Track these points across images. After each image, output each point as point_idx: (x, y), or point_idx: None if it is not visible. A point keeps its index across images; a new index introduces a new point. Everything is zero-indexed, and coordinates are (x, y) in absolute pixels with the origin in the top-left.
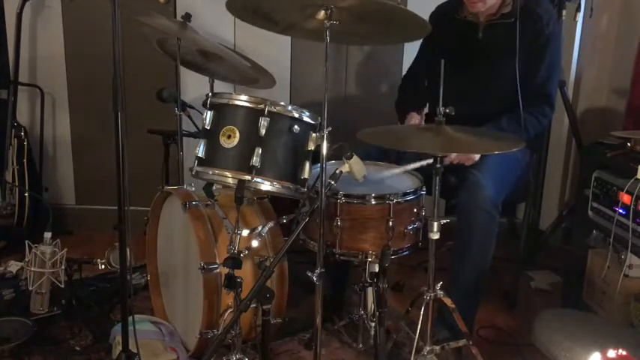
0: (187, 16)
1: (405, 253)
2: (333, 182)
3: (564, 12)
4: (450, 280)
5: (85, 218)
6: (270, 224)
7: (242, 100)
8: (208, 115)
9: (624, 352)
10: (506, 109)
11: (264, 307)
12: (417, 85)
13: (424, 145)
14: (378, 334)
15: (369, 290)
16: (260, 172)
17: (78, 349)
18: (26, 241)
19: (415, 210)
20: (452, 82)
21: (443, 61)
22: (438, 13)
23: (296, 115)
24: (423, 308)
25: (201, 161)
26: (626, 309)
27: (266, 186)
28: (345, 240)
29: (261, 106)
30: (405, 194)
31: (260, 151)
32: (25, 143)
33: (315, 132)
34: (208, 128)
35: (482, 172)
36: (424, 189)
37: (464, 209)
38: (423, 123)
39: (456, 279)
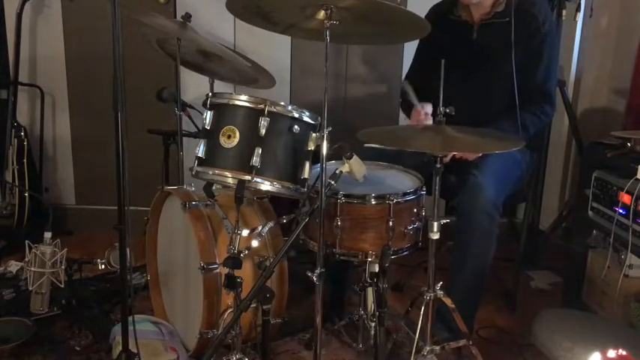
0: (187, 16)
1: (405, 253)
2: (333, 182)
3: (564, 12)
4: (450, 282)
5: (85, 218)
6: (270, 224)
7: (242, 100)
8: (208, 115)
9: (624, 352)
10: (505, 109)
11: (264, 307)
12: (417, 86)
13: (424, 145)
14: (378, 334)
15: (369, 290)
16: (260, 172)
17: (78, 349)
18: (26, 241)
19: (415, 210)
20: (450, 82)
21: (443, 60)
22: (432, 14)
23: (296, 115)
24: (423, 308)
25: (201, 161)
26: (626, 309)
27: (266, 186)
28: (345, 240)
29: (261, 106)
30: (405, 194)
31: (260, 151)
32: (25, 143)
33: (315, 132)
34: (208, 128)
35: (483, 174)
36: (424, 189)
37: (464, 211)
38: (431, 118)
39: (455, 280)
